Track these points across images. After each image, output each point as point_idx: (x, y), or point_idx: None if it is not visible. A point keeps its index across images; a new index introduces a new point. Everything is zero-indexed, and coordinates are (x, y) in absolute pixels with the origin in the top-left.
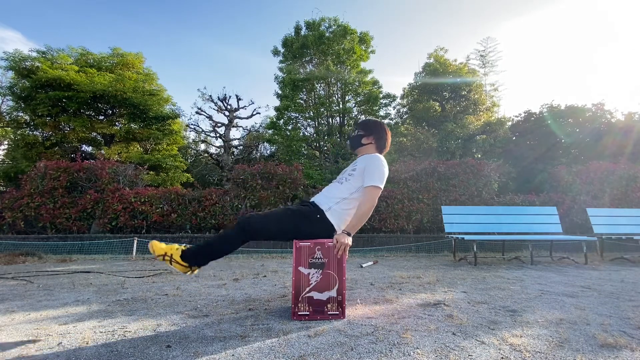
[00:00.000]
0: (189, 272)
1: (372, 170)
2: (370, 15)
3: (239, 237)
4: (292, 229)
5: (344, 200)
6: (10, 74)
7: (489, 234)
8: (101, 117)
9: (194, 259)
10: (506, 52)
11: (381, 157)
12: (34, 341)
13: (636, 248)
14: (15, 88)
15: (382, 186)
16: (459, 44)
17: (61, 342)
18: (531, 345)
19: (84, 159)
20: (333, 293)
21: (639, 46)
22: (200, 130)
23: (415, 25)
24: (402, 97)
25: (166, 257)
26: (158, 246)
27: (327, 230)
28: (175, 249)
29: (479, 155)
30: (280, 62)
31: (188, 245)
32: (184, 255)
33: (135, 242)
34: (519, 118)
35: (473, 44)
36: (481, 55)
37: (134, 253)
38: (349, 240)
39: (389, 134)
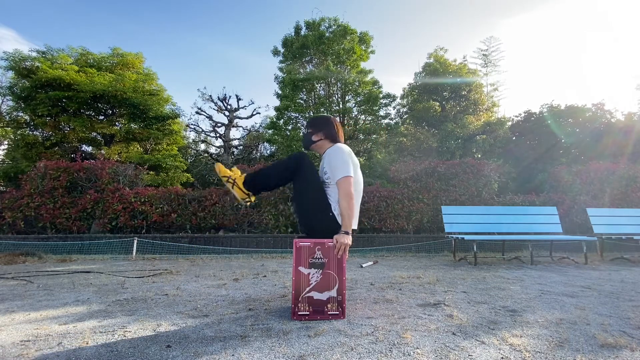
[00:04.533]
0: (246, 200)
1: (334, 164)
2: (370, 15)
3: (289, 167)
4: (314, 208)
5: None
6: (10, 74)
7: (489, 234)
8: (101, 117)
9: (253, 185)
10: (506, 51)
11: (339, 145)
12: (34, 341)
13: (636, 248)
14: (15, 88)
15: (350, 174)
16: (459, 44)
17: (61, 342)
18: (531, 345)
19: (84, 159)
20: (333, 293)
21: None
22: (200, 130)
23: (415, 25)
24: (402, 97)
25: (230, 180)
26: (224, 168)
27: (332, 228)
28: (239, 175)
29: (479, 155)
30: (280, 62)
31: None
32: (246, 182)
33: (135, 242)
34: (519, 118)
35: (473, 44)
36: (484, 55)
37: (134, 253)
38: (348, 240)
39: (338, 124)
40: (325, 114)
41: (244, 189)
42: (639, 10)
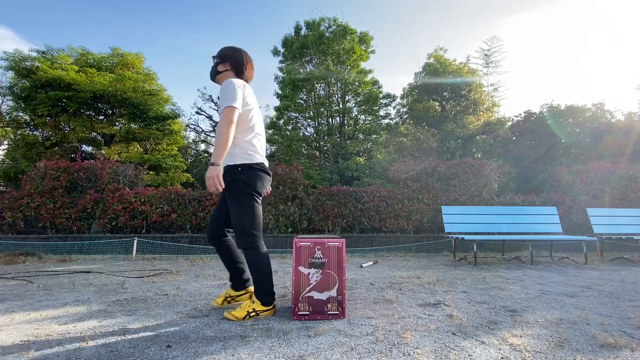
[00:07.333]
0: (273, 309)
1: (221, 96)
2: (370, 15)
3: (237, 245)
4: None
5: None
6: (10, 74)
7: (489, 234)
8: (101, 117)
9: (265, 295)
10: (507, 51)
11: (231, 79)
12: (34, 341)
13: (636, 248)
14: (15, 88)
15: (234, 104)
16: (459, 44)
17: (61, 342)
18: (531, 345)
19: (84, 159)
20: (333, 293)
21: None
22: (200, 130)
23: (415, 25)
24: (402, 97)
25: (252, 314)
26: (237, 313)
27: (227, 176)
28: (252, 302)
29: (479, 155)
30: (280, 62)
31: (254, 299)
32: (263, 299)
33: (135, 242)
34: (519, 118)
35: (472, 44)
36: (485, 55)
37: (134, 253)
38: (216, 172)
39: (248, 58)
40: (236, 47)
41: (265, 308)
42: (639, 10)
